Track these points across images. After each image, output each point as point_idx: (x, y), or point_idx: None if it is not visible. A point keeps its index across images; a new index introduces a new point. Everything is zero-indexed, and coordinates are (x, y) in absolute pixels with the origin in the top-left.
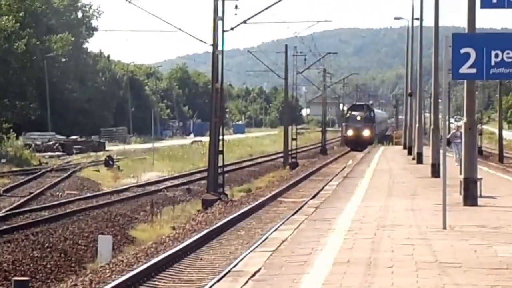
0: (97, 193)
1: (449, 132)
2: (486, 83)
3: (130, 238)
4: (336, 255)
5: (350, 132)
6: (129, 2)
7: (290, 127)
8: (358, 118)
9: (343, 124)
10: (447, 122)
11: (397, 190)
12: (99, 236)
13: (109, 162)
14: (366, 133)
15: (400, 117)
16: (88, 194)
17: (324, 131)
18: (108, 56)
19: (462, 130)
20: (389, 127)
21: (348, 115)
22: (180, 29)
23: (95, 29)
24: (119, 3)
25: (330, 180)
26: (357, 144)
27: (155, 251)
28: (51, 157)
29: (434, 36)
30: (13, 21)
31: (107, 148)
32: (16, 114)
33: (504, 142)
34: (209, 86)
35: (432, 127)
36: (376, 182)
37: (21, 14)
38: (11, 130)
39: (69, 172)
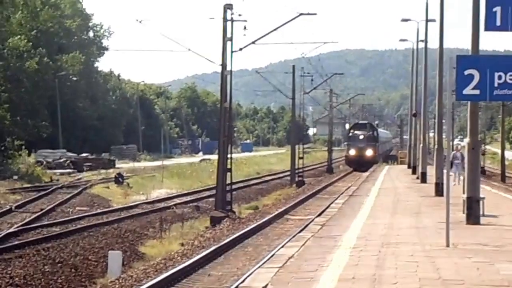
0: (107, 209)
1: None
2: (489, 104)
3: (140, 254)
4: (342, 272)
5: (352, 152)
6: (140, 22)
7: (297, 146)
8: (361, 137)
9: (345, 143)
10: (451, 142)
11: (402, 208)
12: (109, 251)
13: (119, 179)
14: (369, 152)
15: (404, 137)
16: (99, 211)
17: (330, 150)
18: (119, 75)
19: (464, 150)
20: (393, 147)
21: (350, 134)
22: (189, 49)
23: (106, 48)
24: (130, 23)
25: (336, 198)
26: (360, 164)
27: (164, 266)
28: (62, 174)
29: (438, 58)
30: (25, 40)
31: (117, 165)
32: (27, 132)
33: (506, 162)
34: (217, 105)
35: (436, 146)
36: (381, 200)
37: (33, 33)
38: (23, 147)
39: (79, 189)
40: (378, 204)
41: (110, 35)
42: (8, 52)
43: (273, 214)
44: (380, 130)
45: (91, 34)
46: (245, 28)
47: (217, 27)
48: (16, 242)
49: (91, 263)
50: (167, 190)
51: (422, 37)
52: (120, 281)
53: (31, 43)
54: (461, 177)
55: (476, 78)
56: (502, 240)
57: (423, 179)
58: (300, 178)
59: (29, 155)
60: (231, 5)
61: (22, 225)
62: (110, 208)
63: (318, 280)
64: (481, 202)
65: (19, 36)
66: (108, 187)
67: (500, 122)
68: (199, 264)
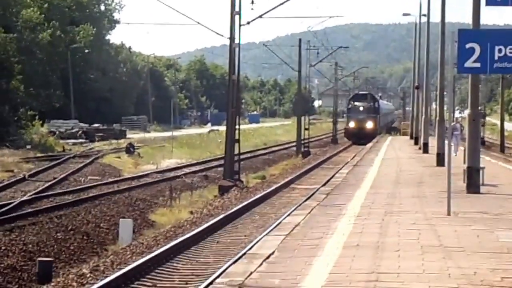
0: (118, 178)
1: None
2: (489, 77)
3: (150, 222)
4: (346, 239)
5: (351, 124)
6: None
7: (303, 118)
8: (361, 108)
9: (345, 115)
10: (452, 114)
11: (404, 178)
12: (120, 219)
13: (130, 149)
14: (369, 125)
15: (407, 108)
16: (110, 180)
17: (335, 122)
18: (130, 48)
19: (463, 121)
20: (396, 119)
21: (350, 105)
22: (198, 23)
23: (117, 22)
24: None
25: (341, 168)
26: (359, 137)
27: (173, 234)
28: (74, 144)
29: (440, 32)
30: (38, 13)
31: (128, 136)
32: (40, 102)
33: (506, 133)
34: (226, 77)
35: (437, 118)
36: (384, 170)
37: (45, 6)
38: (36, 117)
39: (91, 159)
40: (381, 174)
41: (122, 8)
42: (22, 25)
43: (280, 184)
44: (381, 101)
45: (102, 7)
46: (252, 2)
47: (225, 1)
48: (30, 210)
49: (102, 230)
50: (176, 160)
51: (425, 11)
52: (131, 248)
53: (43, 15)
54: (460, 148)
55: (477, 52)
56: (501, 208)
57: (425, 149)
58: (306, 149)
59: (42, 125)
60: None
61: (35, 194)
62: (121, 177)
63: (323, 247)
64: (481, 172)
65: (32, 9)
66: (119, 157)
67: (500, 94)
68: (208, 231)
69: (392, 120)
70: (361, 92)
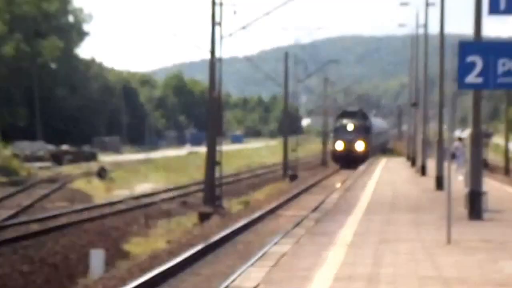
0: (89, 205)
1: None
2: (493, 93)
3: (124, 252)
4: (337, 270)
5: (339, 145)
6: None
7: (289, 138)
8: (350, 127)
9: (332, 135)
10: (452, 133)
11: (400, 203)
12: (91, 250)
13: (101, 173)
14: (359, 146)
15: (403, 127)
16: (80, 207)
17: (325, 143)
18: (101, 63)
19: (466, 141)
20: (389, 139)
21: (337, 124)
22: (175, 35)
23: (87, 34)
24: (113, 7)
25: (331, 193)
26: (348, 160)
27: (149, 266)
28: (40, 167)
29: (439, 44)
30: (1, 23)
31: (99, 158)
32: (3, 122)
33: (510, 155)
34: (206, 94)
35: (437, 138)
36: (379, 195)
37: (7, 17)
38: None
39: (59, 184)
40: (375, 199)
41: (91, 20)
42: None
43: (265, 210)
44: (374, 119)
45: (71, 18)
46: (235, 12)
47: (205, 12)
48: None
49: (72, 262)
50: (152, 184)
51: (422, 22)
52: (103, 281)
53: (6, 27)
54: (463, 171)
55: (479, 65)
56: (505, 236)
57: (423, 172)
58: (293, 172)
59: (5, 147)
60: None
61: None
62: (92, 204)
63: (312, 279)
64: (484, 197)
65: None
66: (89, 182)
67: (504, 112)
68: (186, 263)
69: (386, 140)
70: (350, 109)
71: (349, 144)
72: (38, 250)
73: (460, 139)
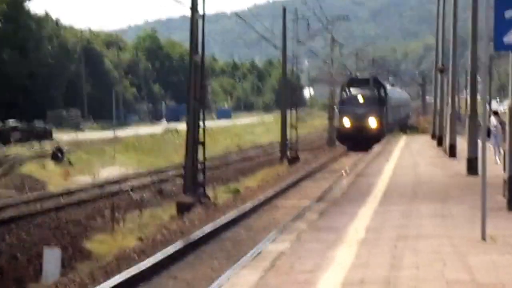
0: (43, 194)
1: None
2: None
3: (85, 251)
4: (346, 274)
5: (346, 122)
6: None
7: (289, 112)
8: (360, 99)
9: (338, 109)
10: (487, 106)
11: (424, 191)
12: (45, 248)
13: (57, 155)
14: (372, 123)
15: (427, 97)
16: (31, 196)
17: (331, 117)
18: (57, 21)
19: (504, 116)
20: (411, 113)
21: (344, 94)
22: None
23: None
24: None
25: (340, 179)
26: (357, 141)
27: (116, 268)
28: None
29: None
30: None
31: (54, 136)
32: None
33: None
34: (186, 59)
35: (469, 113)
36: (398, 181)
37: None
38: None
39: (5, 168)
40: (393, 185)
41: None
42: None
43: (259, 200)
44: (391, 88)
45: None
46: None
47: None
48: None
49: (21, 263)
50: (120, 169)
51: None
52: (59, 286)
53: None
54: (502, 151)
55: None
56: None
57: (452, 153)
58: (293, 153)
59: None
60: None
61: None
62: (46, 193)
63: (316, 285)
64: None
65: None
66: (43, 165)
67: None
68: (162, 264)
69: (407, 114)
70: (360, 76)
71: (359, 120)
72: None
73: (495, 113)
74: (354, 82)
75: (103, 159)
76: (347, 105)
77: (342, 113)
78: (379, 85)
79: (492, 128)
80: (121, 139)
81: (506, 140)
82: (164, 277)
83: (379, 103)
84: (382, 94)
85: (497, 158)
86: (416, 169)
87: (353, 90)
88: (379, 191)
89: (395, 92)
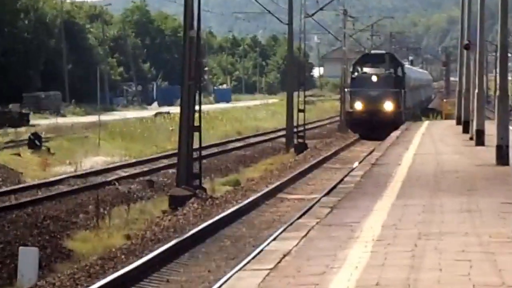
0: (17, 186)
1: None
2: None
3: (66, 251)
4: (360, 276)
5: (358, 105)
6: None
7: (296, 94)
8: (374, 78)
9: (348, 90)
10: None
11: (448, 182)
12: (20, 248)
13: (35, 142)
14: (388, 106)
15: (452, 79)
16: (5, 188)
17: (343, 100)
18: None
19: None
20: (434, 95)
21: (356, 74)
22: None
23: None
24: None
25: (353, 169)
26: (371, 127)
27: (101, 269)
28: None
29: None
30: None
31: (32, 121)
32: None
33: None
34: (180, 34)
35: (498, 93)
36: (418, 171)
37: None
38: None
39: None
40: (413, 176)
41: None
42: None
43: (262, 192)
44: (409, 67)
45: None
46: None
47: None
48: None
49: None
50: (106, 158)
51: None
52: None
53: None
54: None
55: None
56: None
57: (480, 140)
58: (300, 140)
59: None
60: None
61: None
62: (22, 185)
63: None
64: None
65: None
66: (18, 154)
67: None
68: (153, 265)
69: (428, 96)
70: (374, 52)
71: (373, 103)
72: None
73: None
74: (367, 59)
75: (87, 147)
76: (359, 85)
77: (353, 95)
78: (396, 63)
79: None
80: (107, 125)
81: None
82: (155, 280)
83: (396, 83)
84: (400, 73)
85: None
86: (439, 157)
87: (366, 69)
88: (397, 183)
89: (414, 72)
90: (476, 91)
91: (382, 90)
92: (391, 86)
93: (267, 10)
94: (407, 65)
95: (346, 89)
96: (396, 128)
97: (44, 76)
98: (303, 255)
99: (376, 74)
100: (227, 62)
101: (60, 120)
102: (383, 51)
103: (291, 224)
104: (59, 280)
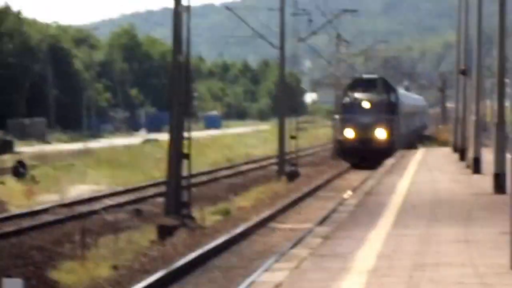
0: (1, 216)
1: None
2: None
3: (51, 282)
4: None
5: (349, 133)
6: None
7: (288, 120)
8: (366, 105)
9: (338, 117)
10: None
11: (444, 212)
12: (4, 279)
13: (19, 170)
14: (380, 134)
15: (448, 105)
16: None
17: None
18: (18, 13)
19: None
20: (429, 122)
21: (347, 99)
22: None
23: None
24: None
25: (346, 198)
26: (363, 155)
27: None
28: None
29: None
30: None
31: (16, 149)
32: None
33: None
34: (168, 59)
35: (496, 120)
36: (414, 200)
37: None
38: None
39: None
40: (408, 205)
41: None
42: None
43: (253, 222)
44: (403, 92)
45: None
46: None
47: None
48: None
49: None
50: (92, 186)
51: None
52: None
53: None
54: None
55: None
56: None
57: (477, 168)
58: (292, 168)
59: None
60: None
61: None
62: (6, 214)
63: None
64: None
65: None
66: (2, 182)
67: None
68: None
69: (423, 123)
70: (366, 76)
71: (365, 130)
72: None
73: None
74: (358, 84)
75: (73, 175)
76: (350, 112)
77: (344, 122)
78: (389, 88)
79: None
80: (93, 152)
81: None
82: None
83: (389, 109)
84: (393, 99)
85: None
86: (435, 186)
87: (358, 94)
88: (392, 212)
89: (409, 97)
90: (473, 118)
91: (374, 117)
92: (384, 113)
93: (258, 34)
94: (401, 90)
95: (336, 116)
96: (388, 157)
97: (29, 102)
98: (295, 286)
99: (368, 100)
100: (217, 88)
101: (46, 147)
102: (376, 76)
103: (283, 254)
104: None
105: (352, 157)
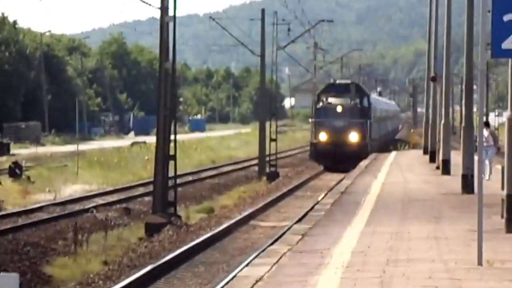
0: None
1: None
2: None
3: (45, 277)
4: None
5: (322, 136)
6: None
7: (268, 124)
8: (339, 109)
9: (312, 121)
10: (484, 117)
11: (415, 211)
12: (1, 274)
13: (15, 171)
14: (353, 137)
15: (419, 110)
16: None
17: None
18: (14, 23)
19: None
20: (401, 126)
21: (321, 103)
22: None
23: None
24: None
25: (323, 197)
26: (336, 159)
27: None
28: None
29: None
30: None
31: (12, 151)
32: None
33: None
34: (155, 66)
35: (463, 124)
36: (387, 199)
37: None
38: None
39: None
40: (381, 204)
41: None
42: None
43: (235, 220)
44: (376, 97)
45: None
46: None
47: None
48: None
49: None
50: (84, 186)
51: None
52: None
53: None
54: (497, 167)
55: None
56: None
57: (446, 169)
58: (272, 169)
59: None
60: None
61: None
62: (3, 213)
63: None
64: None
65: None
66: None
67: None
68: None
69: (395, 127)
70: (339, 81)
71: (338, 134)
72: None
73: (486, 124)
74: (332, 89)
75: (65, 176)
76: (323, 116)
77: (317, 126)
78: (361, 93)
79: (485, 143)
80: (85, 154)
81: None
82: None
83: (361, 114)
84: (366, 103)
85: (487, 173)
86: (407, 186)
87: (331, 99)
88: (366, 211)
89: (381, 102)
90: (443, 122)
91: (347, 121)
92: (356, 117)
93: (240, 42)
94: (373, 95)
95: (310, 120)
96: (361, 160)
97: (24, 107)
98: (274, 281)
99: (341, 105)
100: (201, 93)
101: (40, 149)
102: (348, 81)
103: (263, 250)
104: None
105: (325, 160)
